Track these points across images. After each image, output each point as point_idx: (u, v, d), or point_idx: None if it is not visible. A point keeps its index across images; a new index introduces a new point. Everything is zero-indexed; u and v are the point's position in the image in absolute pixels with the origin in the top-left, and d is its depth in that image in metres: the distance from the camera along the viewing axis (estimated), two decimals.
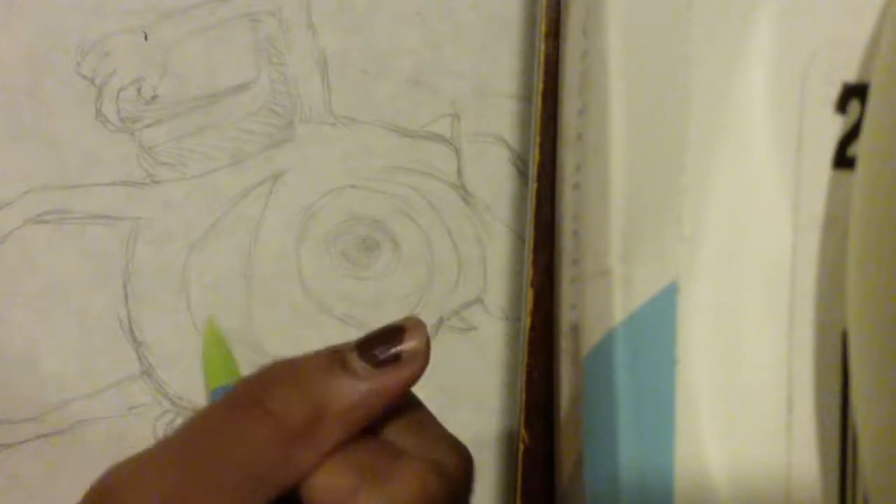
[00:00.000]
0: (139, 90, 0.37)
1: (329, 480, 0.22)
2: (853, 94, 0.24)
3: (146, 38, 0.37)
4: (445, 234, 0.37)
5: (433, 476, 0.22)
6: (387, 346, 0.23)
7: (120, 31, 0.37)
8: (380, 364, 0.23)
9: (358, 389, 0.22)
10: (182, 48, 0.37)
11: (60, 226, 0.36)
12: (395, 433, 0.23)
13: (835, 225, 0.24)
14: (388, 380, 0.22)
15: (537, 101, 0.32)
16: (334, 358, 0.23)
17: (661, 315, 0.24)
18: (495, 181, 0.37)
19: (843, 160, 0.24)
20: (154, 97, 0.37)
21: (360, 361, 0.22)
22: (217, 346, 0.36)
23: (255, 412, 0.22)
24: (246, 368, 0.36)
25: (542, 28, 0.32)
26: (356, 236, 0.37)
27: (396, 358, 0.23)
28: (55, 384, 0.36)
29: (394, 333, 0.23)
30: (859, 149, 0.23)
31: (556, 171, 0.32)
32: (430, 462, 0.23)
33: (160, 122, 0.37)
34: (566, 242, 0.30)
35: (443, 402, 0.34)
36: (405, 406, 0.24)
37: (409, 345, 0.23)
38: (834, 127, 0.24)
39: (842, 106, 0.24)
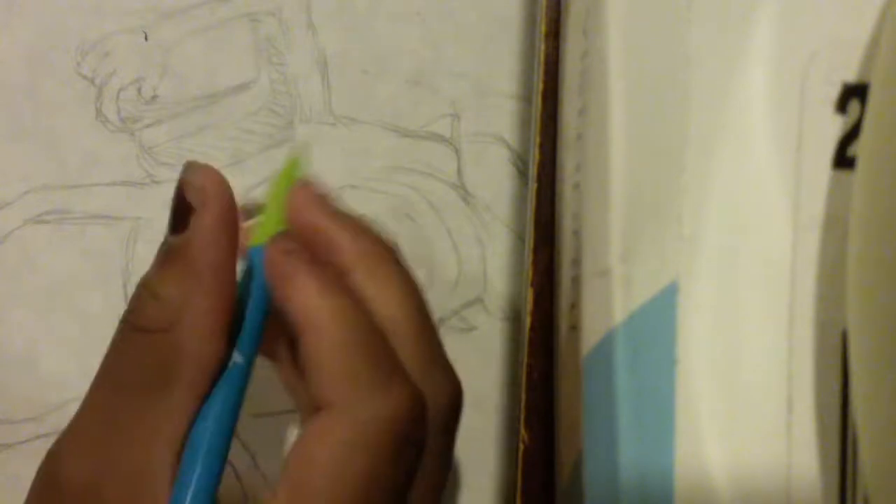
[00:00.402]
0: (139, 90, 0.37)
1: (332, 356, 0.23)
2: (853, 94, 0.24)
3: (146, 38, 0.37)
4: (445, 234, 0.37)
5: (415, 407, 0.23)
6: (179, 211, 0.25)
7: (120, 31, 0.37)
8: (183, 226, 0.24)
9: (185, 263, 0.24)
10: (182, 48, 0.37)
11: (60, 226, 0.36)
12: (399, 344, 0.25)
13: (835, 225, 0.24)
14: (200, 226, 0.24)
15: (537, 101, 0.32)
16: (159, 253, 0.25)
17: (661, 315, 0.24)
18: (495, 181, 0.37)
19: (843, 160, 0.24)
20: (154, 97, 0.37)
21: (174, 237, 0.24)
22: (285, 189, 0.27)
23: (130, 337, 0.24)
24: None
25: (542, 28, 0.32)
26: None
27: (190, 210, 0.24)
28: (55, 384, 0.36)
29: (178, 201, 0.25)
30: (859, 149, 0.23)
31: (556, 171, 0.32)
32: (418, 394, 0.24)
33: (160, 122, 0.37)
34: (566, 242, 0.30)
35: None
36: (416, 323, 0.25)
37: (191, 192, 0.25)
38: (834, 127, 0.24)
39: (842, 106, 0.24)
